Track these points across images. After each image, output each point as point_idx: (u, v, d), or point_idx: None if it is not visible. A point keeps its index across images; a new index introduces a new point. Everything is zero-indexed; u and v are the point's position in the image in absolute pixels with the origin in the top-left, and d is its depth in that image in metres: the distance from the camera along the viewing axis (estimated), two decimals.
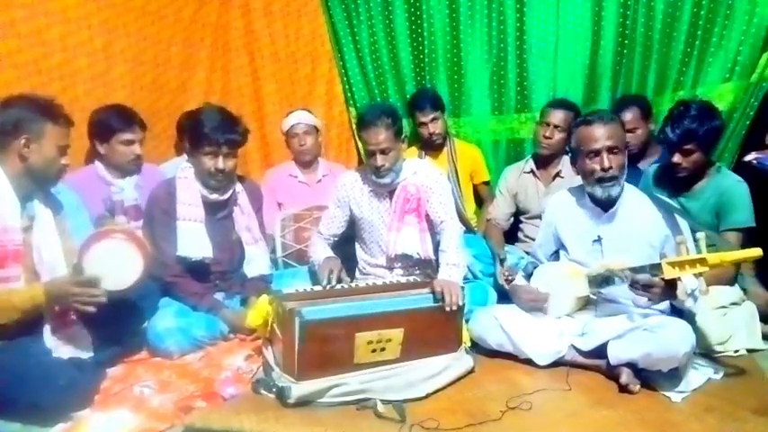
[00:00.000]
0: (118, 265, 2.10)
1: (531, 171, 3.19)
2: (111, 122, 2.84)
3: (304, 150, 3.41)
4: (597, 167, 2.26)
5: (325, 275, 2.42)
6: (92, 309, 2.03)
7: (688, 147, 2.50)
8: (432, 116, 3.41)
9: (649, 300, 2.13)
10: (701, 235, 2.00)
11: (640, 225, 2.30)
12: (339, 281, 2.42)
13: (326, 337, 2.03)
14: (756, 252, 1.93)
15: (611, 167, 2.24)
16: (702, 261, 1.97)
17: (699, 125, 2.47)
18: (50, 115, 2.10)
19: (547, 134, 3.08)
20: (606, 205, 2.34)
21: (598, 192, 2.30)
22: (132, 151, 2.85)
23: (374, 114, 2.52)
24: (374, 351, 2.09)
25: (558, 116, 3.09)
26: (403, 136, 2.61)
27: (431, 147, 3.52)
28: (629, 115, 3.06)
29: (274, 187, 3.44)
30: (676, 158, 2.54)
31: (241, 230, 2.75)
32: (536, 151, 3.20)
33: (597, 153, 2.26)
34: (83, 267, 2.04)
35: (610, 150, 2.25)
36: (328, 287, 2.36)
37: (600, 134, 2.26)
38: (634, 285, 2.12)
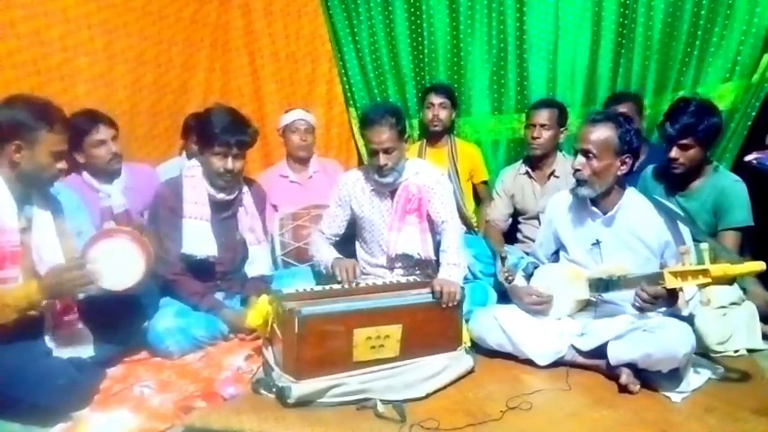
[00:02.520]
0: (119, 265, 2.10)
1: (526, 173, 3.20)
2: (76, 127, 2.66)
3: (303, 146, 3.41)
4: (573, 164, 2.33)
5: (342, 275, 2.44)
6: (91, 288, 2.03)
7: (686, 142, 2.50)
8: (442, 100, 3.47)
9: (648, 308, 2.13)
10: (705, 246, 2.00)
11: (640, 230, 2.30)
12: (356, 278, 2.44)
13: (325, 333, 2.03)
14: (760, 266, 1.93)
15: (578, 170, 2.29)
16: (705, 272, 1.97)
17: (697, 120, 2.47)
18: (46, 121, 2.04)
19: (534, 134, 3.10)
20: (605, 208, 2.35)
21: (575, 187, 2.36)
22: (108, 150, 2.73)
23: (378, 113, 2.52)
24: (373, 348, 2.10)
25: (542, 115, 3.11)
26: (406, 136, 2.61)
27: (430, 134, 3.56)
28: (623, 109, 3.02)
29: (267, 189, 3.44)
30: (674, 153, 2.54)
31: (245, 231, 2.75)
32: (527, 153, 3.22)
33: (577, 151, 2.33)
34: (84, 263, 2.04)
35: (584, 153, 2.28)
36: (347, 286, 2.38)
37: (582, 134, 2.32)
38: (639, 295, 2.11)
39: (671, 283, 2.04)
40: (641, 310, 2.15)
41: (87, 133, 2.70)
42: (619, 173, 2.29)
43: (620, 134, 2.26)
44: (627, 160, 2.28)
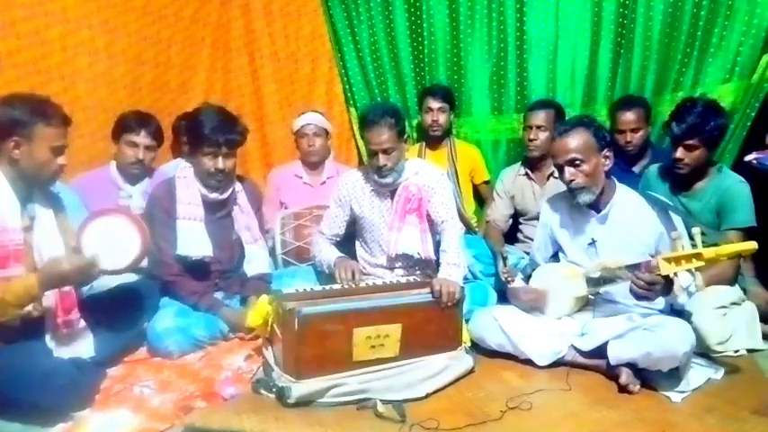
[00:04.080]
0: (115, 244, 2.09)
1: (526, 174, 3.20)
2: (124, 120, 2.89)
3: (312, 151, 3.42)
4: (565, 179, 2.31)
5: (341, 275, 2.44)
6: (91, 277, 2.03)
7: (691, 142, 2.50)
8: (440, 105, 3.47)
9: (646, 296, 2.13)
10: (696, 230, 2.01)
11: (633, 225, 2.31)
12: (356, 280, 2.44)
13: (325, 332, 2.03)
14: (751, 245, 1.94)
15: (572, 180, 2.28)
16: (698, 256, 1.98)
17: (704, 121, 2.48)
18: (42, 116, 2.03)
19: (531, 136, 3.11)
20: (598, 207, 2.35)
21: (575, 198, 2.33)
22: (134, 154, 2.86)
23: (377, 114, 2.52)
24: (373, 347, 2.10)
25: (539, 117, 3.11)
26: (406, 136, 2.61)
27: (430, 138, 3.56)
28: (632, 115, 3.08)
29: (278, 186, 3.46)
30: (679, 153, 2.54)
31: (241, 230, 2.75)
32: (526, 155, 3.22)
33: (561, 167, 2.31)
34: (81, 246, 2.03)
35: (570, 163, 2.28)
36: (345, 286, 2.37)
37: (559, 149, 2.31)
38: (633, 282, 2.12)
39: (665, 268, 2.04)
40: (639, 297, 2.15)
41: (128, 131, 2.85)
42: (605, 168, 2.31)
43: (594, 132, 2.30)
44: (608, 153, 2.32)
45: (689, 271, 2.01)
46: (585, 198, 2.31)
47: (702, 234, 2.03)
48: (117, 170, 2.91)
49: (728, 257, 2.04)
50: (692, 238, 2.03)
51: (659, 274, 2.06)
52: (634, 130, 3.07)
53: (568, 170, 2.29)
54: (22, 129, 2.01)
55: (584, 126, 2.31)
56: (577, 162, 2.27)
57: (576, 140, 2.28)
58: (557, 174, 3.09)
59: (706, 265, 1.99)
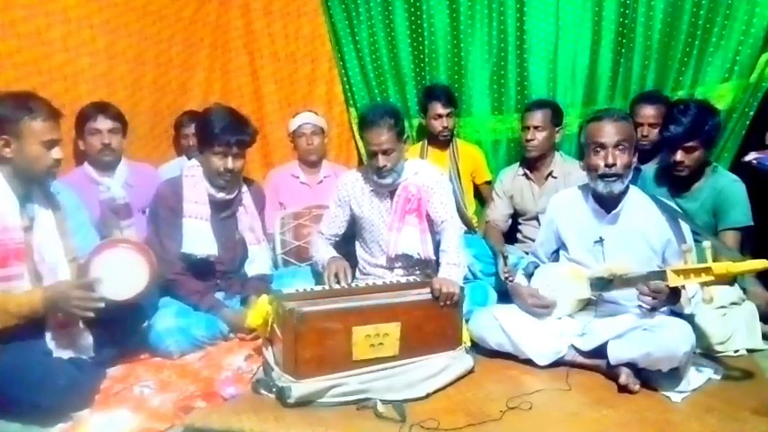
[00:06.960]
0: (124, 276, 2.11)
1: (524, 174, 3.20)
2: (81, 114, 2.85)
3: (311, 150, 3.44)
4: (601, 163, 2.27)
5: (331, 278, 2.44)
6: (90, 314, 2.02)
7: (691, 144, 2.50)
8: (448, 111, 3.45)
9: (652, 305, 2.13)
10: (707, 243, 2.00)
11: (643, 227, 2.30)
12: (347, 282, 2.43)
13: (324, 331, 2.03)
14: (763, 264, 1.93)
15: (614, 164, 2.25)
16: (708, 270, 1.97)
17: (701, 122, 2.48)
18: (26, 110, 2.01)
19: (529, 136, 3.10)
20: (610, 206, 2.34)
21: (600, 187, 2.30)
22: (100, 140, 2.82)
23: (377, 114, 2.52)
24: (372, 346, 2.10)
25: (536, 117, 3.10)
26: (405, 136, 2.61)
27: (438, 142, 3.55)
28: (652, 110, 3.05)
29: (276, 187, 3.47)
30: (679, 156, 2.53)
31: (245, 230, 2.76)
32: (524, 155, 3.22)
33: (603, 147, 2.27)
34: (89, 273, 2.05)
35: (616, 146, 2.26)
36: (335, 287, 2.37)
37: (608, 130, 2.28)
38: (640, 290, 2.12)
39: (674, 281, 2.04)
40: (647, 307, 2.15)
41: (87, 121, 2.83)
42: (633, 166, 2.32)
43: (635, 128, 2.37)
44: (635, 154, 2.33)
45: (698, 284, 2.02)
46: (615, 188, 2.28)
47: (713, 249, 2.02)
48: (90, 165, 2.88)
49: (738, 274, 2.03)
50: (702, 251, 2.02)
51: (667, 285, 2.06)
52: (652, 125, 3.02)
53: (612, 152, 2.26)
54: (10, 126, 2.01)
55: (629, 121, 2.35)
56: (622, 147, 2.26)
57: (625, 127, 2.29)
58: (555, 173, 3.11)
59: (715, 279, 1.98)
